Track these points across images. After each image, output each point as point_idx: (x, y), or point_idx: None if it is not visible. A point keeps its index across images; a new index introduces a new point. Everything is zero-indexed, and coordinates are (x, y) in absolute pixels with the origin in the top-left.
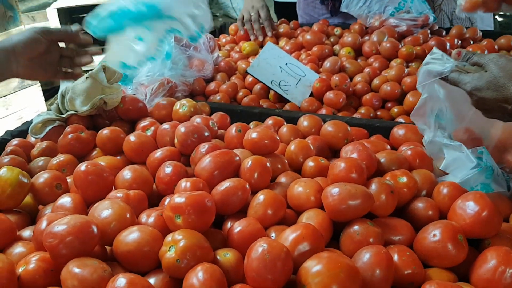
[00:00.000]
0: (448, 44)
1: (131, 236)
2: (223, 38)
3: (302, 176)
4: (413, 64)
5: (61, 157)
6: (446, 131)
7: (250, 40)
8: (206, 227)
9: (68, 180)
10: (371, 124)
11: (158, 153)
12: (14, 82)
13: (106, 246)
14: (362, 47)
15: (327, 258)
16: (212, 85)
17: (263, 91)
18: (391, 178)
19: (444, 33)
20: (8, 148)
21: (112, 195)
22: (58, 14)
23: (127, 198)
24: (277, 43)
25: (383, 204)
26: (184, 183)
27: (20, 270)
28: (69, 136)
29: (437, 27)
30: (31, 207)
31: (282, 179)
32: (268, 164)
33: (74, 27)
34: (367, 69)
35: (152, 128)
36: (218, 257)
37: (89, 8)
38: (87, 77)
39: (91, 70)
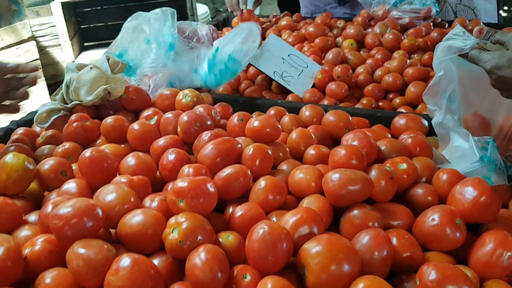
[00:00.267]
0: None
1: (135, 218)
2: (226, 31)
3: (303, 164)
4: (415, 55)
5: (66, 145)
6: (455, 116)
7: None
8: (209, 211)
9: (73, 167)
10: (373, 114)
11: (161, 141)
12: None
13: (110, 229)
14: (365, 39)
15: (326, 240)
16: None
17: (265, 83)
18: (391, 165)
19: (447, 25)
20: (14, 137)
21: (116, 180)
22: (63, 8)
23: (131, 183)
24: (280, 35)
25: (382, 190)
26: (187, 169)
27: (26, 251)
28: (74, 124)
29: (440, 20)
30: (36, 193)
31: (284, 166)
32: (269, 151)
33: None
34: (369, 61)
35: (156, 117)
36: (220, 240)
37: (94, 2)
38: (91, 67)
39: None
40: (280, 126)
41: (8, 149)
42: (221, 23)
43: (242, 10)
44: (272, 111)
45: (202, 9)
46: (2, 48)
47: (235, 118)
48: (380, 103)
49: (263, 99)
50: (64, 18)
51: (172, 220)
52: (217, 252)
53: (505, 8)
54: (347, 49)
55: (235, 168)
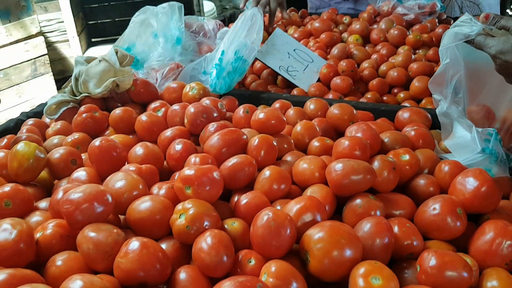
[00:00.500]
0: None
1: (143, 205)
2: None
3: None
4: (420, 51)
5: (75, 135)
6: (460, 106)
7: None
8: (215, 199)
9: (82, 157)
10: (377, 108)
11: (168, 132)
12: (27, 70)
13: (119, 216)
14: (370, 35)
15: (329, 226)
16: None
17: (271, 77)
18: (394, 156)
19: (452, 22)
20: (24, 127)
21: (125, 168)
22: (71, 4)
23: (140, 171)
24: (286, 31)
25: (385, 180)
26: (194, 158)
27: (37, 235)
28: (84, 115)
29: (445, 16)
30: (46, 182)
31: (288, 157)
32: (274, 142)
33: None
34: (374, 56)
35: (163, 109)
36: (226, 226)
37: None
38: (100, 60)
39: None
40: (285, 119)
41: (20, 138)
42: (228, 19)
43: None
44: (277, 104)
45: (208, 6)
46: (11, 43)
47: (240, 110)
48: (385, 98)
49: (268, 93)
50: (72, 14)
51: (179, 206)
52: (223, 237)
53: None
54: (352, 44)
55: (241, 158)
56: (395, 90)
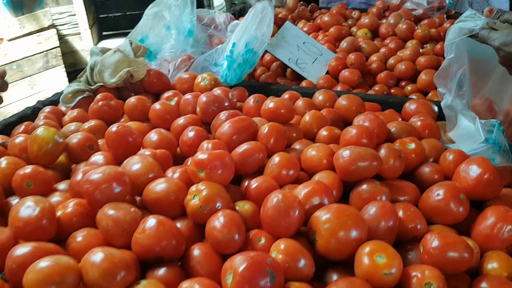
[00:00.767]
0: None
1: (159, 186)
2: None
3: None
4: (427, 45)
5: (92, 122)
6: (464, 99)
7: None
8: (227, 182)
9: (99, 143)
10: (384, 99)
11: (181, 120)
12: (39, 62)
13: (135, 197)
14: (379, 29)
15: (336, 208)
16: None
17: (280, 69)
18: (400, 145)
19: None
20: (42, 115)
21: (141, 153)
22: None
23: (154, 156)
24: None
25: (391, 167)
26: (206, 144)
27: (58, 213)
28: (100, 103)
29: (453, 12)
30: (64, 166)
31: (297, 146)
32: (283, 130)
33: None
34: (383, 49)
35: (176, 98)
36: (237, 208)
37: None
38: (115, 51)
39: None
40: (294, 108)
41: (38, 124)
42: (237, 12)
43: None
44: (286, 95)
45: (218, 1)
46: (24, 35)
47: (251, 100)
48: (392, 90)
49: (277, 84)
50: (84, 7)
51: (193, 188)
52: (235, 216)
53: None
54: (361, 38)
55: (251, 144)
56: (403, 83)
